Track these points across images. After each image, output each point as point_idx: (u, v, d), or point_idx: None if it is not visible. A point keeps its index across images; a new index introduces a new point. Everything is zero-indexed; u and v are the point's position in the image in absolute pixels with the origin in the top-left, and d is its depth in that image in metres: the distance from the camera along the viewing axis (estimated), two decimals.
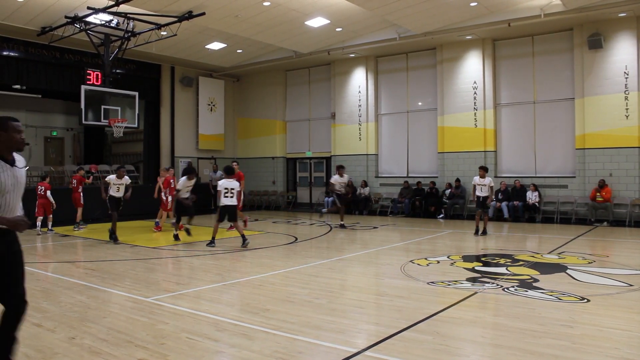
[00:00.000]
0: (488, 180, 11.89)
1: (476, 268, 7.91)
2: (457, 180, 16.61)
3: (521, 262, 8.40)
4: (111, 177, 11.30)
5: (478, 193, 11.93)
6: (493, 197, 12.84)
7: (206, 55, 19.18)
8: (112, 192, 11.22)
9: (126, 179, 11.33)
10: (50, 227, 12.92)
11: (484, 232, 12.02)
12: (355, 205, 18.44)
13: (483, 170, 12.01)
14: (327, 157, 20.42)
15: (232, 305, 5.80)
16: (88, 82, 15.41)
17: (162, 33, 15.43)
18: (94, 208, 15.41)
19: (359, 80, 19.09)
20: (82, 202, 13.55)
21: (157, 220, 13.37)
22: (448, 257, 8.95)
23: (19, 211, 3.43)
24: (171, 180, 13.18)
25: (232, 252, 9.68)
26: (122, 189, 11.29)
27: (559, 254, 9.26)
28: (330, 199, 19.21)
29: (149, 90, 19.80)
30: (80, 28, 14.59)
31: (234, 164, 12.49)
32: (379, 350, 4.25)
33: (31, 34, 15.51)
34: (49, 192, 12.80)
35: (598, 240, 11.55)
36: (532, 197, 15.19)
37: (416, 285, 6.81)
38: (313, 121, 20.87)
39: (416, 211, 17.18)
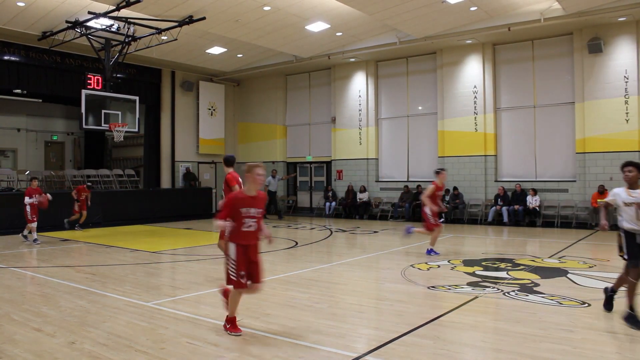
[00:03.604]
0: None
1: (477, 272, 7.89)
2: (455, 188, 16.57)
3: (522, 267, 8.39)
4: None
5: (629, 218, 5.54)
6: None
7: (206, 59, 19.21)
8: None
9: None
10: None
11: None
12: (355, 209, 18.44)
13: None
14: (327, 162, 20.42)
15: None
16: (88, 87, 15.43)
17: (162, 38, 15.49)
18: (95, 212, 15.43)
19: (359, 84, 19.11)
20: (75, 208, 14.22)
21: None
22: (448, 262, 8.93)
23: None
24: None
25: None
26: None
27: (560, 258, 9.25)
28: (333, 203, 19.25)
29: (149, 95, 19.85)
30: (80, 33, 14.63)
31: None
32: (379, 355, 4.24)
33: (32, 38, 15.55)
34: None
35: (599, 244, 11.53)
36: (532, 201, 15.18)
37: (417, 289, 6.80)
38: (313, 125, 20.88)
39: (417, 215, 17.14)
